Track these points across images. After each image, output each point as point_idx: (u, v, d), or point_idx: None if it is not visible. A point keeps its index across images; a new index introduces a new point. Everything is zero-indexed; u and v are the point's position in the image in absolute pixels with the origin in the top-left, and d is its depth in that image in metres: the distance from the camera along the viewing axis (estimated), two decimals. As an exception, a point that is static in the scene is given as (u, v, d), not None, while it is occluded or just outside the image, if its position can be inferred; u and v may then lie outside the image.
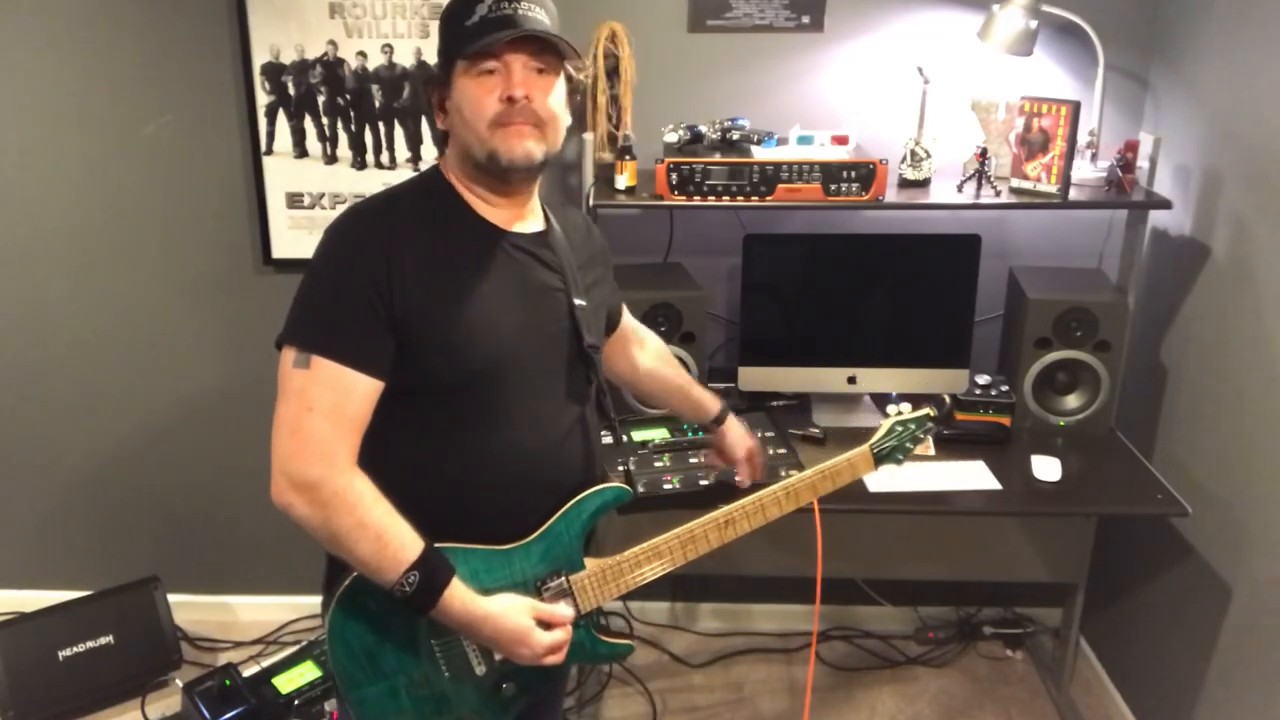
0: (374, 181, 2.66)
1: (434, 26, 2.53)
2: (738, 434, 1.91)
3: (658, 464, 2.17)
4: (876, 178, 2.25)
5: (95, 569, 2.93)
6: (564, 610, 1.51)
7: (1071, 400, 2.48)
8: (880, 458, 1.71)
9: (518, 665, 1.51)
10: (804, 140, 2.38)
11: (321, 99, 2.62)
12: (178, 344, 2.84)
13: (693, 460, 2.19)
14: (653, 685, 2.80)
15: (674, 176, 2.26)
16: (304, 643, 2.73)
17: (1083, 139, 2.37)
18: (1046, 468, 2.25)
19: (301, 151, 2.66)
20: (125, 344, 2.84)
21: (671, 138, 2.41)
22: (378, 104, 2.62)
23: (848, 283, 2.53)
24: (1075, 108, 2.21)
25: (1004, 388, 2.45)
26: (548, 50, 1.42)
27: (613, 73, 2.47)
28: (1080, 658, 2.84)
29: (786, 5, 2.52)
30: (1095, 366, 2.42)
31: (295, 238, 2.71)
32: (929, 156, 2.40)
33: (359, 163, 2.67)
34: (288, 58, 2.58)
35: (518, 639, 1.46)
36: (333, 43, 2.57)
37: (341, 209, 1.49)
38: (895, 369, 2.52)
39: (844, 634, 3.00)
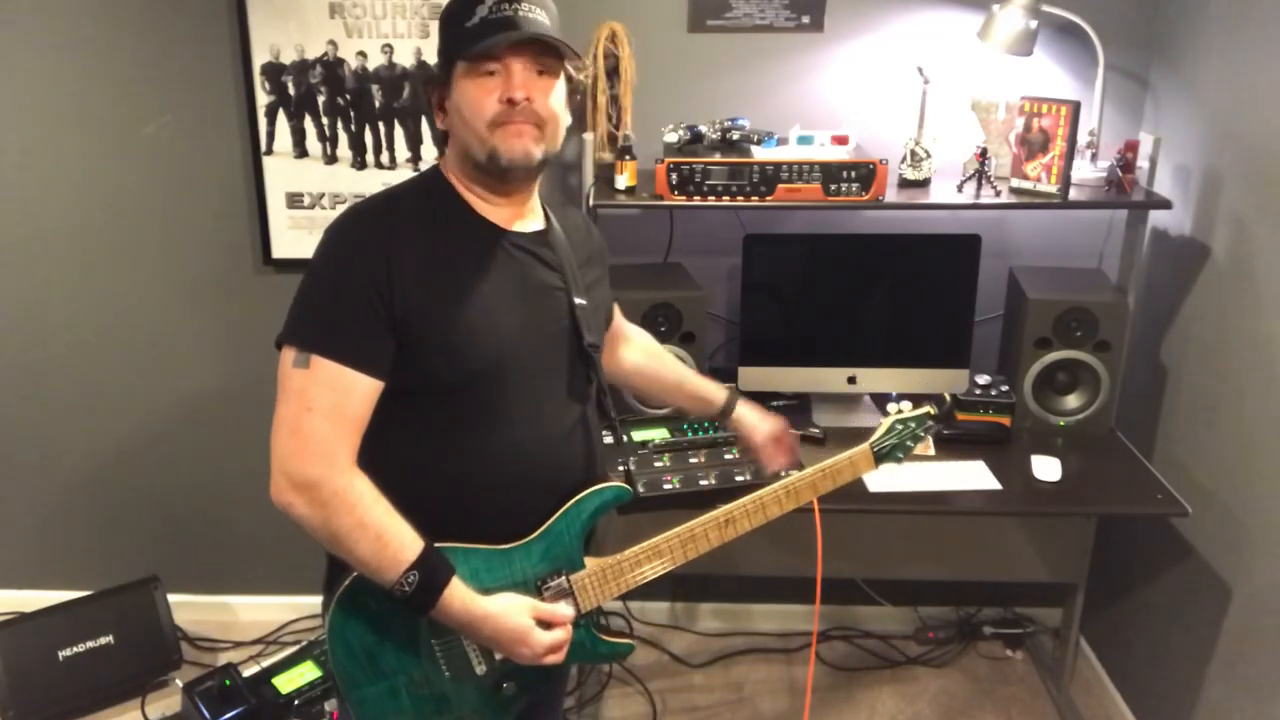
0: (374, 181, 2.66)
1: (434, 26, 2.53)
2: (752, 420, 1.88)
3: (658, 464, 2.17)
4: (876, 178, 2.25)
5: (95, 569, 2.93)
6: (564, 610, 1.51)
7: (1071, 400, 2.48)
8: (881, 456, 1.71)
9: (518, 665, 1.51)
10: (804, 140, 2.38)
11: (321, 99, 2.62)
12: (178, 344, 2.84)
13: (693, 460, 2.19)
14: (653, 685, 2.80)
15: (674, 176, 2.26)
16: (304, 643, 2.73)
17: (1083, 139, 2.37)
18: (1046, 468, 2.25)
19: (301, 151, 2.66)
20: (125, 344, 2.84)
21: (671, 138, 2.41)
22: (378, 104, 2.62)
23: (848, 283, 2.53)
24: (1075, 108, 2.21)
25: (1004, 388, 2.45)
26: (548, 51, 1.42)
27: (613, 73, 2.48)
28: (1080, 658, 2.84)
29: (786, 5, 2.52)
30: (1095, 366, 2.42)
31: (295, 238, 2.71)
32: (929, 156, 2.41)
33: (359, 163, 2.67)
34: (288, 58, 2.58)
35: (518, 638, 1.46)
36: (333, 43, 2.57)
37: (341, 209, 1.49)
38: (895, 369, 2.52)
39: (844, 634, 3.00)
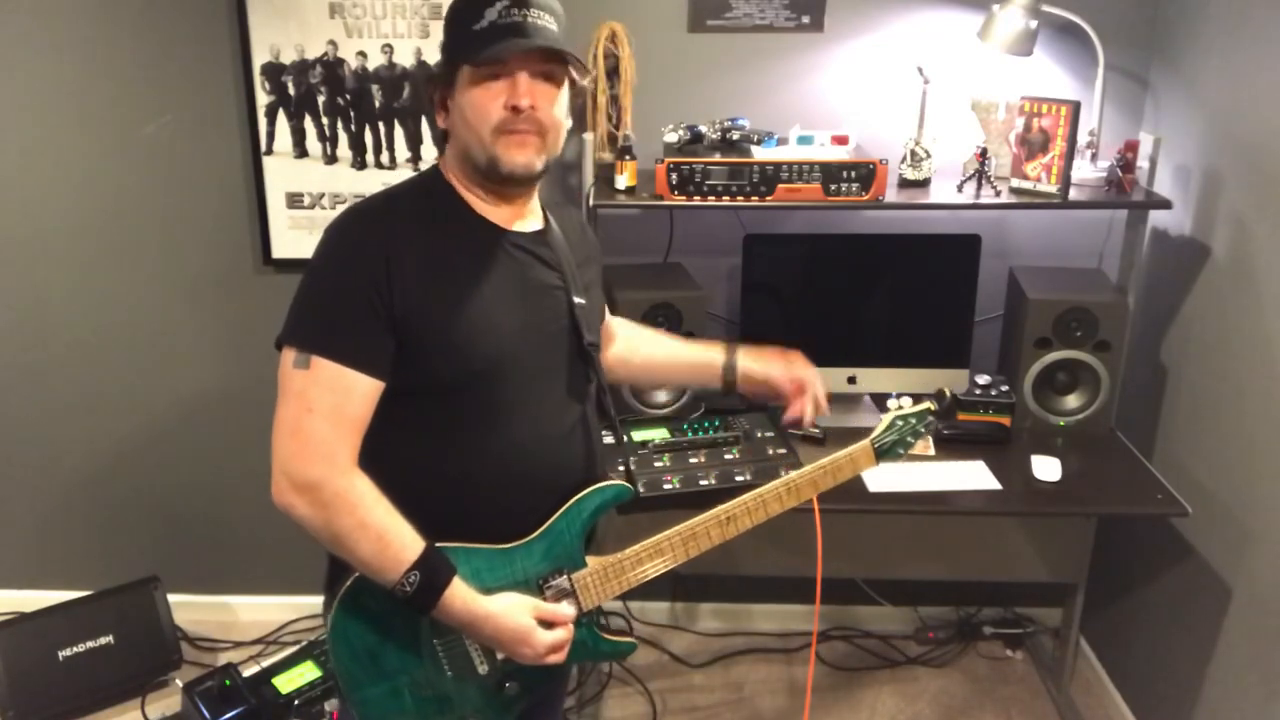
0: (374, 181, 2.66)
1: (434, 26, 2.54)
2: (763, 368, 1.75)
3: (658, 464, 2.17)
4: (876, 178, 2.25)
5: (95, 569, 2.93)
6: (566, 609, 1.51)
7: (1071, 400, 2.48)
8: (882, 452, 1.71)
9: (520, 664, 1.51)
10: (804, 140, 2.38)
11: (321, 99, 2.62)
12: (178, 344, 2.84)
13: (693, 460, 2.19)
14: (653, 685, 2.80)
15: (674, 176, 2.26)
16: (304, 643, 2.73)
17: (1083, 139, 2.37)
18: (1046, 468, 2.25)
19: (301, 151, 2.66)
20: (125, 344, 2.84)
21: (671, 138, 2.41)
22: (378, 104, 2.62)
23: (848, 283, 2.53)
24: (1075, 108, 2.21)
25: (1004, 388, 2.45)
26: (555, 58, 1.42)
27: (613, 73, 2.48)
28: (1080, 658, 2.84)
29: (786, 5, 2.52)
30: (1095, 366, 2.42)
31: (295, 238, 2.71)
32: (929, 156, 2.41)
33: (359, 163, 2.67)
34: (288, 58, 2.58)
35: (520, 638, 1.46)
36: (333, 43, 2.57)
37: (341, 209, 1.49)
38: (895, 369, 2.52)
39: (844, 634, 3.00)
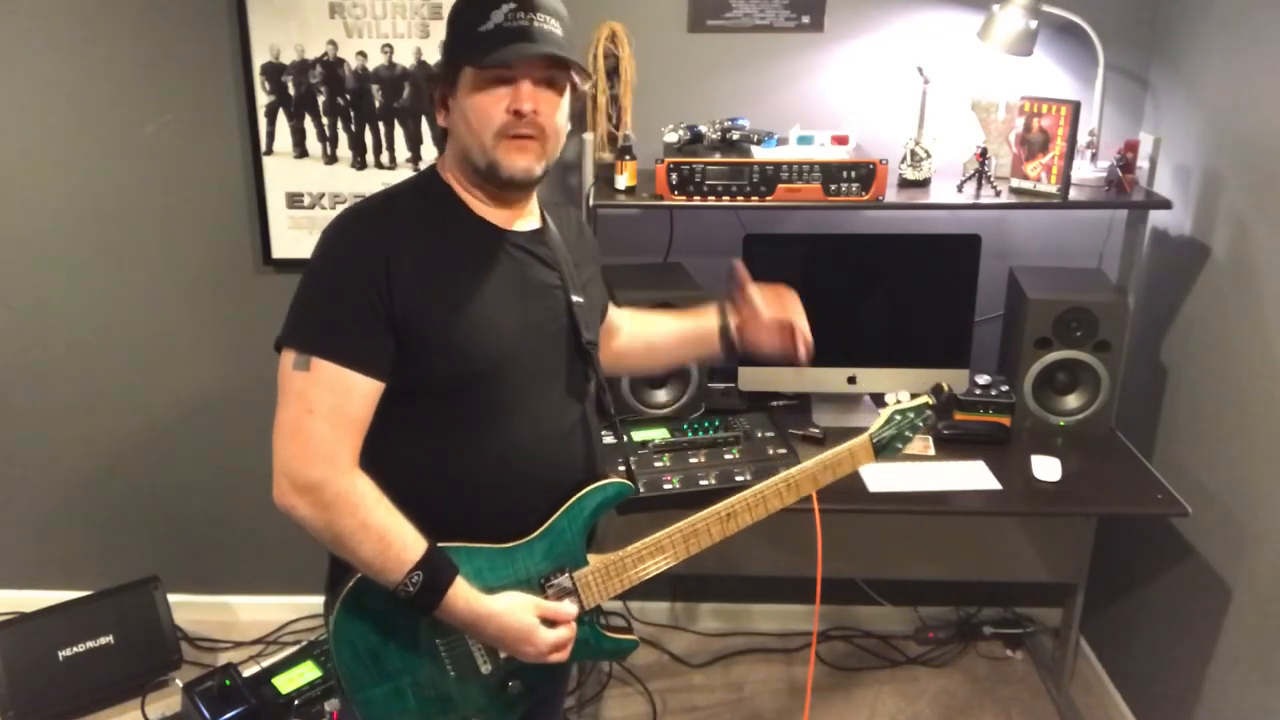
0: (374, 181, 2.66)
1: (434, 26, 2.54)
2: (755, 329, 1.69)
3: (658, 464, 2.17)
4: (876, 178, 2.25)
5: (95, 569, 2.93)
6: (568, 607, 1.51)
7: (1071, 400, 2.48)
8: (880, 447, 1.71)
9: (523, 663, 1.51)
10: (804, 140, 2.38)
11: (321, 99, 2.62)
12: (178, 344, 2.84)
13: (693, 460, 2.19)
14: (653, 685, 2.80)
15: (674, 176, 2.26)
16: (304, 643, 2.73)
17: (1083, 139, 2.37)
18: (1046, 468, 2.25)
19: (301, 151, 2.66)
20: (125, 344, 2.84)
21: (671, 138, 2.41)
22: (378, 104, 2.62)
23: (848, 283, 2.53)
24: (1075, 108, 2.21)
25: (1004, 388, 2.45)
26: (559, 63, 1.42)
27: (613, 73, 2.48)
28: (1080, 658, 2.84)
29: (786, 5, 2.52)
30: (1095, 366, 2.42)
31: (295, 238, 2.71)
32: (929, 156, 2.41)
33: (359, 163, 2.67)
34: (288, 58, 2.58)
35: (522, 637, 1.46)
36: (333, 43, 2.57)
37: (342, 209, 1.49)
38: (895, 369, 2.52)
39: (844, 634, 3.00)
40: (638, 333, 1.83)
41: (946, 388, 1.76)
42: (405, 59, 2.58)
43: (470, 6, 1.41)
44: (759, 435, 2.30)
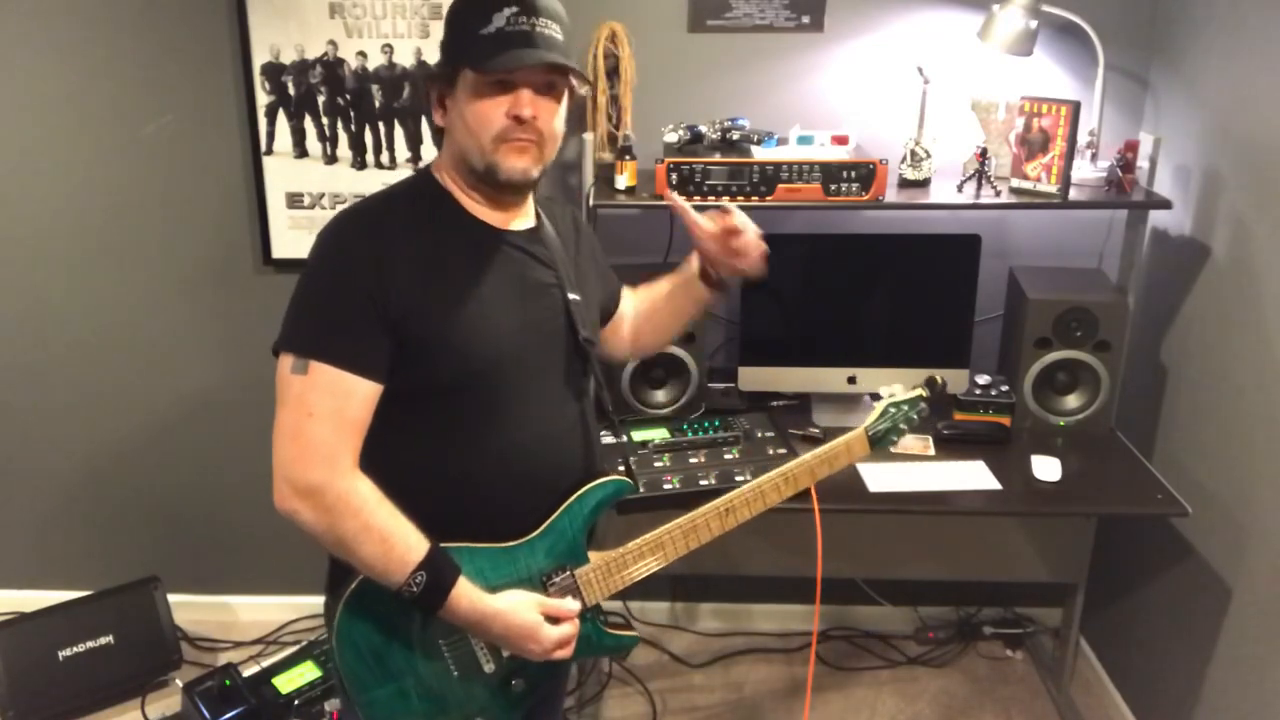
0: (374, 181, 2.66)
1: (434, 26, 2.54)
2: (709, 251, 1.64)
3: (658, 464, 2.17)
4: (876, 178, 2.25)
5: (95, 569, 2.93)
6: (571, 604, 1.51)
7: (1071, 400, 2.48)
8: (876, 439, 1.71)
9: (525, 662, 1.51)
10: (804, 140, 2.38)
11: (321, 99, 2.62)
12: (178, 344, 2.84)
13: (693, 460, 2.19)
14: (653, 685, 2.80)
15: (674, 176, 2.26)
16: (304, 643, 2.73)
17: (1083, 139, 2.37)
18: (1046, 468, 2.25)
19: (301, 151, 2.66)
20: (125, 344, 2.84)
21: (671, 138, 2.41)
22: (378, 104, 2.62)
23: (848, 283, 2.53)
24: (1075, 108, 2.21)
25: (1004, 388, 2.45)
26: (558, 69, 1.42)
27: (613, 73, 2.48)
28: (1080, 658, 2.84)
29: (786, 5, 2.52)
30: (1095, 366, 2.42)
31: (295, 238, 2.71)
32: (929, 156, 2.41)
33: (359, 163, 2.67)
34: (288, 58, 2.58)
35: (526, 634, 1.46)
36: (333, 43, 2.57)
37: (337, 211, 1.49)
38: (895, 369, 2.52)
39: (844, 634, 3.00)
40: (641, 308, 1.83)
41: (940, 379, 1.77)
42: (405, 59, 2.58)
43: (470, 7, 1.41)
44: (759, 435, 2.30)
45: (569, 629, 1.50)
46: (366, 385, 1.39)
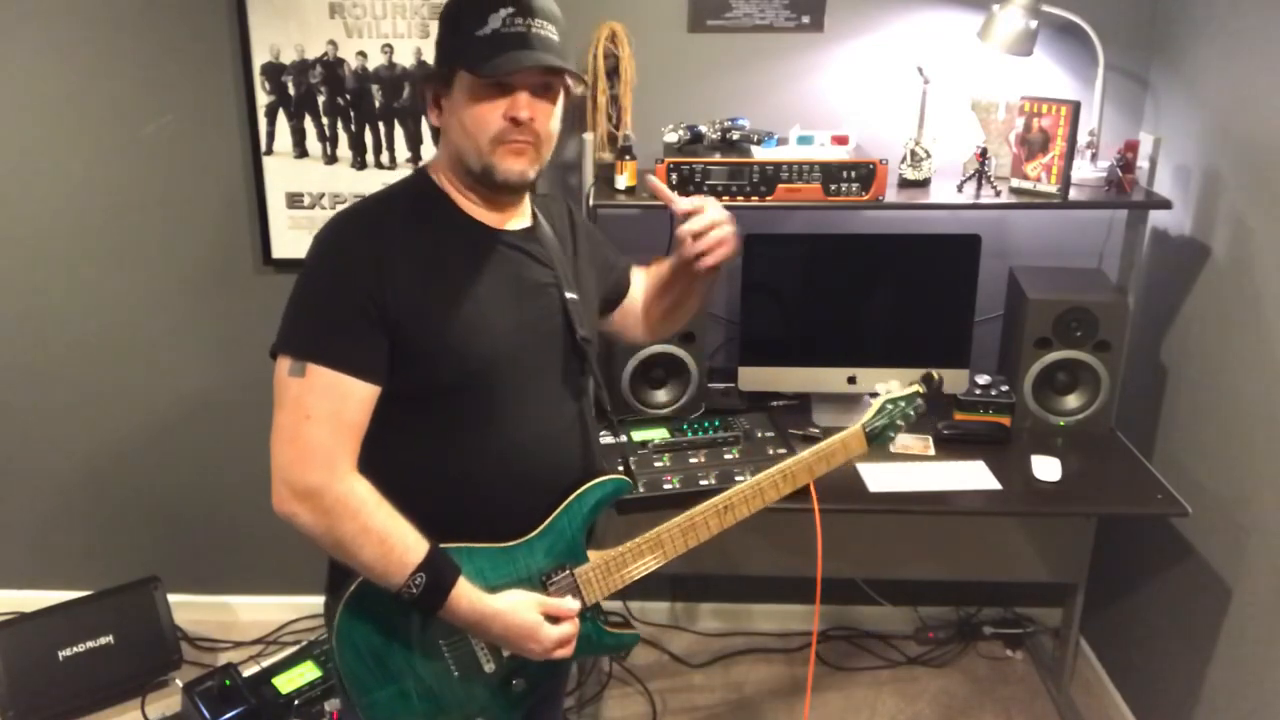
0: (374, 181, 2.66)
1: (434, 26, 2.53)
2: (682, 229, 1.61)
3: (657, 464, 2.17)
4: (876, 178, 2.25)
5: (95, 569, 2.93)
6: (571, 603, 1.51)
7: (1071, 400, 2.48)
8: (873, 436, 1.71)
9: (526, 661, 1.51)
10: (804, 140, 2.38)
11: (321, 99, 2.62)
12: (177, 344, 2.84)
13: (693, 460, 2.19)
14: (653, 685, 2.80)
15: (674, 176, 2.26)
16: (304, 643, 2.73)
17: (1083, 139, 2.37)
18: (1046, 468, 2.25)
19: (301, 151, 2.66)
20: (125, 344, 2.84)
21: (671, 138, 2.41)
22: (378, 104, 2.62)
23: (848, 283, 2.53)
24: (1075, 108, 2.21)
25: (1004, 388, 2.45)
26: (555, 71, 1.42)
27: (613, 73, 2.48)
28: (1080, 658, 2.84)
29: (786, 5, 2.52)
30: (1095, 366, 2.42)
31: (295, 238, 2.71)
32: (929, 156, 2.41)
33: (359, 163, 2.67)
34: (288, 58, 2.58)
35: (527, 634, 1.46)
36: (333, 43, 2.57)
37: (333, 213, 1.49)
38: (895, 369, 2.50)
39: (844, 634, 3.00)
40: (650, 291, 1.78)
41: (936, 375, 1.77)
42: (405, 59, 2.58)
43: (466, 8, 1.40)
44: (759, 435, 2.30)
45: (569, 628, 1.50)
46: (364, 387, 1.39)
